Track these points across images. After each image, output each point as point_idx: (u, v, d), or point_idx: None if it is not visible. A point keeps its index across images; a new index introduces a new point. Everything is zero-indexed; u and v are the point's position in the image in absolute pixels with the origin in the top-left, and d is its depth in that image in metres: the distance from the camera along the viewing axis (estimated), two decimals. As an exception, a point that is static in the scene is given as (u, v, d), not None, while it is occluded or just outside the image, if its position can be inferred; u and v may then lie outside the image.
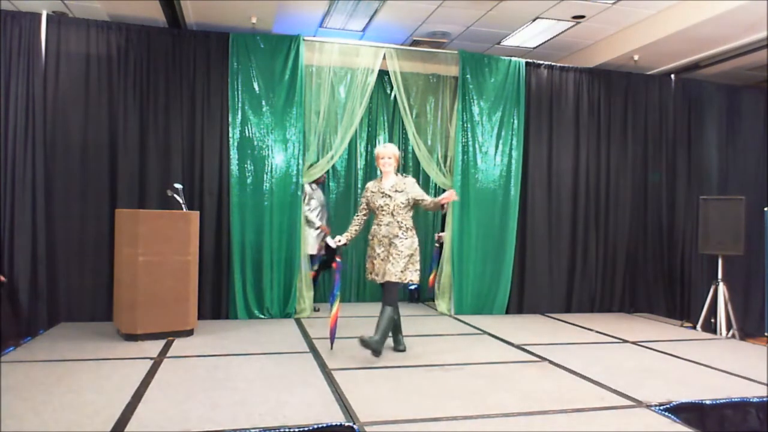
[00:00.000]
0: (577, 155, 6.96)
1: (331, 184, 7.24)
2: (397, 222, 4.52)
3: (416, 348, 4.84)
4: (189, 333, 4.98)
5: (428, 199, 4.56)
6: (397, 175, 4.66)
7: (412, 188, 4.56)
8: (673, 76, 7.26)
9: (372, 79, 6.34)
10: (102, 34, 5.64)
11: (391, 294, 4.48)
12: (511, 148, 6.64)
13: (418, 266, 4.55)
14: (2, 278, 5.14)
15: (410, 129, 6.58)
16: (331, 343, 4.68)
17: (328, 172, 6.89)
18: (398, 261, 4.44)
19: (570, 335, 5.55)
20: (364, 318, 6.10)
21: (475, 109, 6.55)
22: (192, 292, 5.09)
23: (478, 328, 5.70)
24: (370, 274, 4.67)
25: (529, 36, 6.72)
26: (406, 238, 4.51)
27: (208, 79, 5.92)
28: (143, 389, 3.52)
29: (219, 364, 4.12)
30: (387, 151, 4.63)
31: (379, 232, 4.58)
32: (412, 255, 4.50)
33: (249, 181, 5.97)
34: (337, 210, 7.23)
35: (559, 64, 7.00)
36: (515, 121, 6.66)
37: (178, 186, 5.12)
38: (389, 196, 4.54)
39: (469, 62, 6.55)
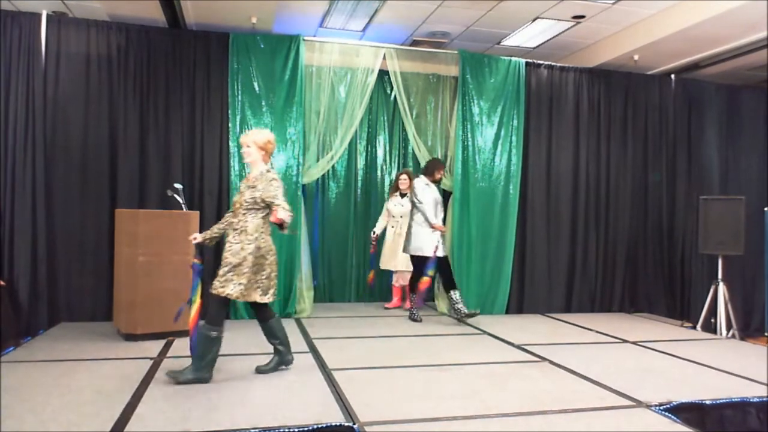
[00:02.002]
0: (577, 155, 6.95)
1: (331, 184, 7.23)
2: (234, 223, 3.84)
3: (416, 348, 4.84)
4: (189, 333, 4.98)
5: (280, 206, 3.67)
6: (270, 170, 3.87)
7: (265, 187, 3.75)
8: (673, 76, 7.25)
9: (372, 79, 6.34)
10: (102, 34, 5.64)
11: (211, 309, 3.77)
12: (511, 148, 6.63)
13: (244, 279, 3.68)
14: (2, 282, 5.13)
15: (410, 129, 6.58)
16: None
17: (327, 172, 6.89)
18: (221, 269, 3.75)
19: (570, 335, 5.55)
20: (365, 318, 6.10)
21: (475, 109, 6.55)
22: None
23: (478, 328, 5.70)
24: None
25: (529, 36, 6.72)
26: (235, 244, 3.74)
27: (208, 79, 5.92)
28: (143, 389, 3.52)
29: (219, 364, 4.11)
30: (243, 139, 3.92)
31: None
32: (238, 265, 3.69)
33: (249, 181, 5.96)
34: (337, 210, 7.23)
35: (559, 64, 7.00)
36: (515, 121, 6.66)
37: (178, 186, 5.12)
38: (241, 191, 3.88)
39: (469, 62, 6.55)
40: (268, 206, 3.76)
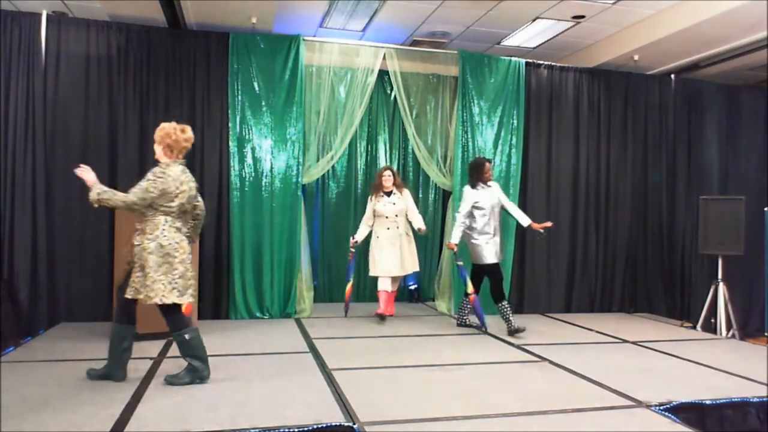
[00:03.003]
0: (577, 155, 6.95)
1: (331, 184, 7.24)
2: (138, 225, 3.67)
3: (416, 348, 4.84)
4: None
5: (101, 190, 3.46)
6: (169, 165, 3.65)
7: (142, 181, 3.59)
8: (673, 76, 7.25)
9: (372, 79, 6.34)
10: (102, 34, 5.65)
11: (166, 319, 3.67)
12: (511, 148, 6.63)
13: (151, 281, 3.51)
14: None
15: (410, 129, 6.58)
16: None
17: (327, 172, 6.89)
18: (133, 276, 3.60)
19: (570, 335, 5.55)
20: (365, 318, 6.10)
21: (475, 109, 6.54)
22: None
23: (478, 328, 5.70)
24: None
25: (529, 36, 6.72)
26: (137, 245, 3.58)
27: (208, 79, 5.92)
28: (143, 389, 3.52)
29: (219, 364, 4.12)
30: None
31: None
32: (143, 267, 3.54)
33: (249, 181, 5.97)
34: (337, 210, 7.23)
35: (559, 64, 7.00)
36: (515, 121, 6.66)
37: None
38: None
39: (469, 62, 6.55)
40: (172, 201, 3.59)
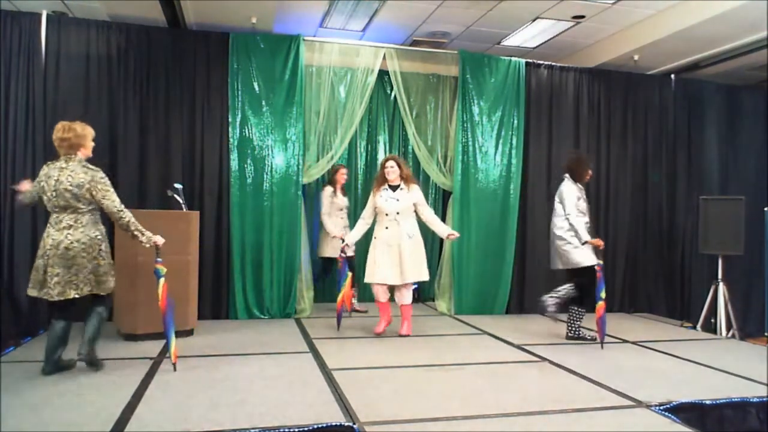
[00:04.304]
0: (577, 155, 6.95)
1: (331, 184, 7.23)
2: None
3: (416, 348, 4.84)
4: (189, 333, 4.98)
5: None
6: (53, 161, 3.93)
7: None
8: (673, 76, 7.25)
9: (372, 79, 6.34)
10: (102, 34, 5.64)
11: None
12: (511, 148, 6.63)
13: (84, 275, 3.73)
14: None
15: (410, 129, 6.58)
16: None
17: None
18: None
19: (570, 335, 5.55)
20: (365, 318, 6.09)
21: (475, 109, 6.54)
22: (192, 292, 5.09)
23: (478, 328, 5.70)
24: None
25: (529, 36, 6.72)
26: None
27: (208, 79, 5.92)
28: (143, 389, 3.52)
29: (219, 364, 4.12)
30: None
31: None
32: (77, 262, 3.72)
33: (249, 181, 5.97)
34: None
35: (559, 64, 7.00)
36: (515, 121, 6.66)
37: (178, 186, 5.12)
38: None
39: (469, 62, 6.55)
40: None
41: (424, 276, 5.24)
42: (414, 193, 5.23)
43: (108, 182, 3.89)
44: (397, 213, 5.16)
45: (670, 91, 7.27)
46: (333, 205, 6.26)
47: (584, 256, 5.04)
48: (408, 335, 5.23)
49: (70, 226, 3.73)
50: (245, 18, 5.85)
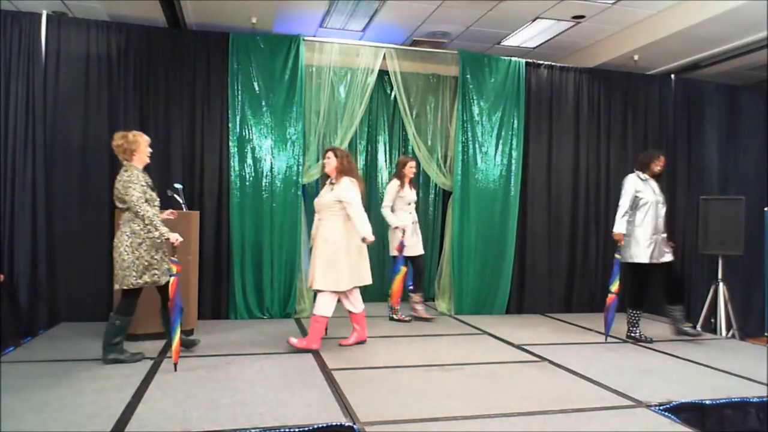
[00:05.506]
0: (577, 155, 6.95)
1: (331, 184, 7.23)
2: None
3: (416, 348, 4.84)
4: (189, 333, 4.97)
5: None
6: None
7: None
8: (673, 76, 7.25)
9: (372, 79, 6.34)
10: (102, 34, 5.65)
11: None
12: (511, 148, 6.63)
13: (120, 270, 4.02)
14: (1, 276, 5.14)
15: (410, 129, 6.58)
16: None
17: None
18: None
19: (570, 335, 5.55)
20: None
21: (475, 109, 6.55)
22: (192, 292, 5.10)
23: (478, 328, 5.70)
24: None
25: (529, 36, 6.72)
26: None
27: (208, 79, 5.92)
28: (143, 389, 3.52)
29: (219, 364, 4.12)
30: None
31: None
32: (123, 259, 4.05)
33: (249, 181, 5.97)
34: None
35: (559, 64, 7.00)
36: (515, 121, 6.66)
37: (178, 186, 5.12)
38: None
39: (469, 62, 6.55)
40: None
41: (324, 284, 4.61)
42: (341, 186, 4.63)
43: (134, 179, 4.08)
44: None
45: (670, 91, 7.27)
46: (401, 199, 5.84)
47: (635, 252, 5.05)
48: (353, 344, 4.84)
49: (118, 225, 4.19)
50: (245, 18, 5.85)
